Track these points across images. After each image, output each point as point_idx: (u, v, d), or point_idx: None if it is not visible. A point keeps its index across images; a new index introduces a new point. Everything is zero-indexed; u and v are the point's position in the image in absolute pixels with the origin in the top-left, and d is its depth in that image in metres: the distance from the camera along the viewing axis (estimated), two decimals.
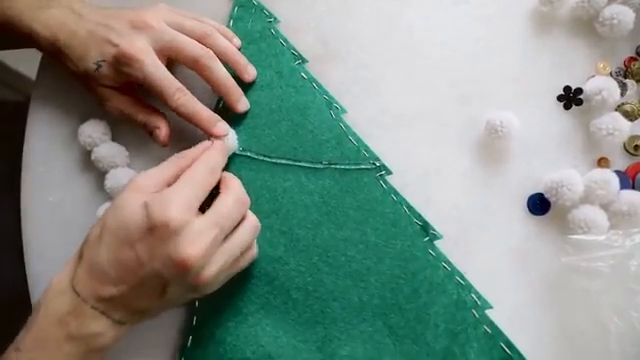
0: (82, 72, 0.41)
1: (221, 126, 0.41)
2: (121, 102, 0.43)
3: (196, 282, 0.34)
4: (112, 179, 0.43)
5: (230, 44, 0.43)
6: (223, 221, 0.35)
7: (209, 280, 0.35)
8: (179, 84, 0.40)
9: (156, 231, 0.33)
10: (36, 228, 0.46)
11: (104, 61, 0.40)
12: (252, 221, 0.38)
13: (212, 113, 0.41)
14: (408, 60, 0.45)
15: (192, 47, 0.40)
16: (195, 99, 0.41)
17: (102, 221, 0.35)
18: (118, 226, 0.34)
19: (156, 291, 0.35)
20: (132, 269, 0.34)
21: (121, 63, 0.39)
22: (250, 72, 0.44)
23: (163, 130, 0.42)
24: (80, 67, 0.41)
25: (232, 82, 0.42)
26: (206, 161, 0.38)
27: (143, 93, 0.44)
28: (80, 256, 0.36)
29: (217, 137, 0.41)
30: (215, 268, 0.35)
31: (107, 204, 0.44)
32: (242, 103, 0.43)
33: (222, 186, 0.38)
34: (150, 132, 0.43)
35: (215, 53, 0.42)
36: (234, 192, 0.37)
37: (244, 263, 0.39)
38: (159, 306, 0.36)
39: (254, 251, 0.40)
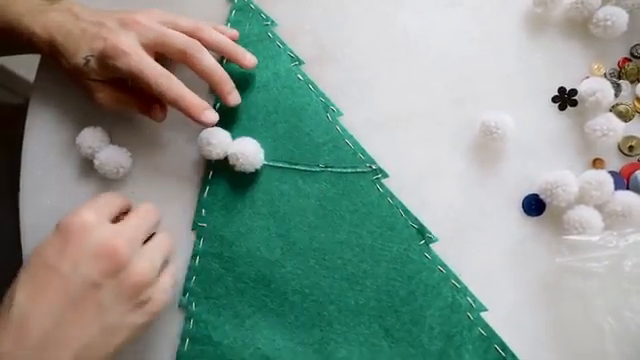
0: (72, 67, 0.42)
1: (209, 114, 0.40)
2: (111, 91, 0.43)
3: (134, 279, 0.33)
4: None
5: (224, 37, 0.43)
6: (134, 222, 0.36)
7: (146, 274, 0.33)
8: (164, 70, 0.40)
9: (72, 236, 0.32)
10: (34, 231, 0.46)
11: (92, 56, 0.41)
12: (165, 234, 0.39)
13: (200, 100, 0.40)
14: (403, 61, 0.45)
15: (178, 39, 0.41)
16: (181, 84, 0.40)
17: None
18: (32, 258, 0.33)
19: (91, 311, 0.32)
20: (55, 292, 0.31)
21: (108, 57, 0.40)
22: (249, 58, 0.43)
23: (157, 107, 0.43)
24: (71, 62, 0.42)
25: (223, 73, 0.42)
26: (108, 194, 0.39)
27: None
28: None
29: (205, 124, 0.40)
30: (147, 261, 0.34)
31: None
32: (234, 96, 0.43)
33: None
34: (145, 112, 0.44)
35: (209, 46, 0.42)
36: (137, 210, 0.38)
37: (172, 275, 0.38)
38: (99, 338, 0.32)
39: (173, 270, 0.39)
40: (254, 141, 0.42)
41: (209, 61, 0.41)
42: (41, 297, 0.31)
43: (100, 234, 0.33)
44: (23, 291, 0.32)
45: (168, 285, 0.36)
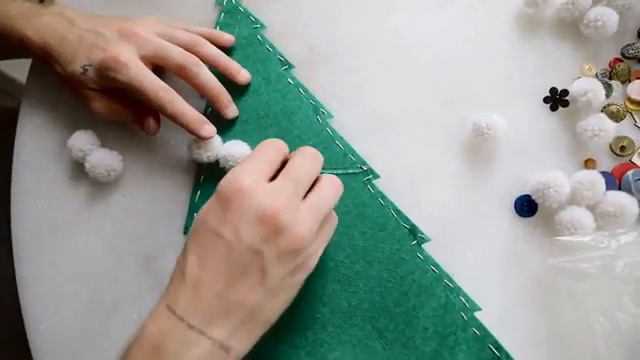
0: (69, 75, 0.42)
1: (208, 128, 0.41)
2: (107, 101, 0.43)
3: (293, 244, 0.32)
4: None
5: (220, 52, 0.44)
6: (295, 175, 0.33)
7: (305, 239, 0.32)
8: (163, 83, 0.40)
9: (231, 203, 0.32)
10: (25, 234, 0.46)
11: (90, 65, 0.41)
12: (331, 178, 0.36)
13: (199, 114, 0.41)
14: (395, 63, 0.45)
15: (177, 53, 0.41)
16: (180, 99, 0.41)
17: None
18: (197, 224, 0.33)
19: (255, 275, 0.32)
20: (222, 256, 0.32)
21: (107, 68, 0.40)
22: (244, 74, 0.44)
23: (151, 120, 0.43)
24: (67, 70, 0.42)
25: (220, 87, 0.42)
26: (268, 143, 0.36)
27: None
28: (172, 276, 0.34)
29: (204, 139, 0.41)
30: (306, 225, 0.32)
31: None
32: (231, 109, 0.44)
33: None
34: (139, 125, 0.44)
35: (206, 61, 0.42)
36: (302, 151, 0.36)
37: (331, 230, 0.36)
38: (265, 300, 0.33)
39: (335, 217, 0.37)
40: (244, 144, 0.42)
41: (206, 75, 0.42)
42: (209, 262, 0.32)
43: (259, 199, 0.32)
44: (193, 254, 0.32)
45: (321, 249, 0.35)
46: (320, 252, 0.35)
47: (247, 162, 0.34)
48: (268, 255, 0.32)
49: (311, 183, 0.35)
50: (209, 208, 0.33)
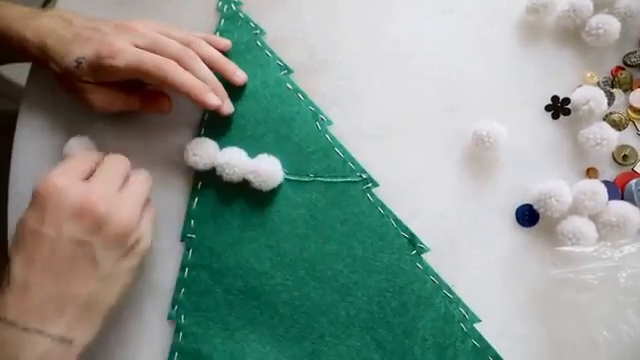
0: (63, 70, 0.41)
1: (213, 97, 0.40)
2: (106, 92, 0.42)
3: (117, 229, 0.34)
4: None
5: (216, 51, 0.43)
6: (106, 173, 0.37)
7: (128, 222, 0.35)
8: (163, 57, 0.39)
9: (48, 202, 0.33)
10: None
11: (84, 58, 0.40)
12: (138, 172, 0.39)
13: (202, 83, 0.40)
14: (395, 70, 0.44)
15: (173, 47, 0.40)
16: (182, 69, 0.39)
17: None
18: (17, 230, 0.34)
19: (85, 266, 0.34)
20: (48, 254, 0.33)
21: (102, 57, 0.39)
22: (239, 75, 0.43)
23: (162, 98, 0.43)
24: (62, 66, 0.41)
25: (217, 82, 0.42)
26: (78, 154, 0.40)
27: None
28: None
29: (211, 107, 0.40)
30: (127, 209, 0.35)
31: None
32: (227, 105, 0.43)
33: None
34: (148, 108, 0.43)
35: (202, 60, 0.41)
36: (108, 156, 0.39)
37: (152, 216, 0.39)
38: (100, 289, 0.35)
39: (153, 208, 0.40)
40: (241, 151, 0.42)
41: (202, 70, 0.41)
42: (35, 263, 0.33)
43: (74, 194, 0.34)
44: (18, 259, 0.33)
45: (150, 228, 0.38)
46: (148, 237, 0.37)
47: (59, 166, 0.36)
48: (96, 244, 0.34)
49: (122, 180, 0.37)
50: (27, 212, 0.34)
